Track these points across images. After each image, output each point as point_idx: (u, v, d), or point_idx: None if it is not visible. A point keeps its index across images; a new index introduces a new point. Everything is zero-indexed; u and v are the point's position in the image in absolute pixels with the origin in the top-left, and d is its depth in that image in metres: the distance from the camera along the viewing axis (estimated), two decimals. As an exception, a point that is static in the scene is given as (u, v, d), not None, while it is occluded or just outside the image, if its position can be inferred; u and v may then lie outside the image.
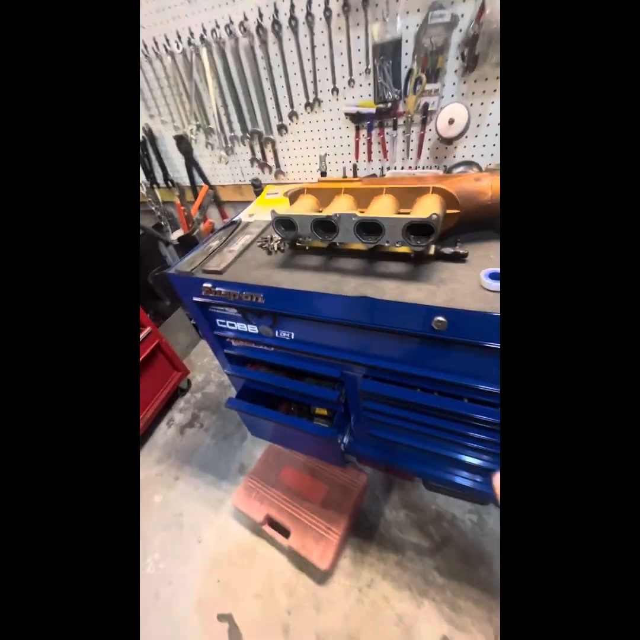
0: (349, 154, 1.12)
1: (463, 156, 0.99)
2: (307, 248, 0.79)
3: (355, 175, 0.71)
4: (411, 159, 1.03)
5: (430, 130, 0.96)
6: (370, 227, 0.66)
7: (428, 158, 1.03)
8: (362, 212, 0.71)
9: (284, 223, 0.75)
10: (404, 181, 0.75)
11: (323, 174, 0.76)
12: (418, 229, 0.63)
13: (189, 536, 1.34)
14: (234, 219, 1.04)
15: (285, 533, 1.20)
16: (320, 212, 0.81)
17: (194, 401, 1.88)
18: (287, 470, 1.34)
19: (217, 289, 0.84)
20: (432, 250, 0.70)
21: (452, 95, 0.89)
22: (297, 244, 0.81)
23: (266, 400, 1.21)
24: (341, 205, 0.74)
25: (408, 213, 0.73)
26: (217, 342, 1.05)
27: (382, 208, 0.70)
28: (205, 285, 0.84)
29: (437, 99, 0.90)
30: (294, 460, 1.37)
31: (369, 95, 0.97)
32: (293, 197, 0.84)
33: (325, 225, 0.70)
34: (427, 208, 0.65)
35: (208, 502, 1.43)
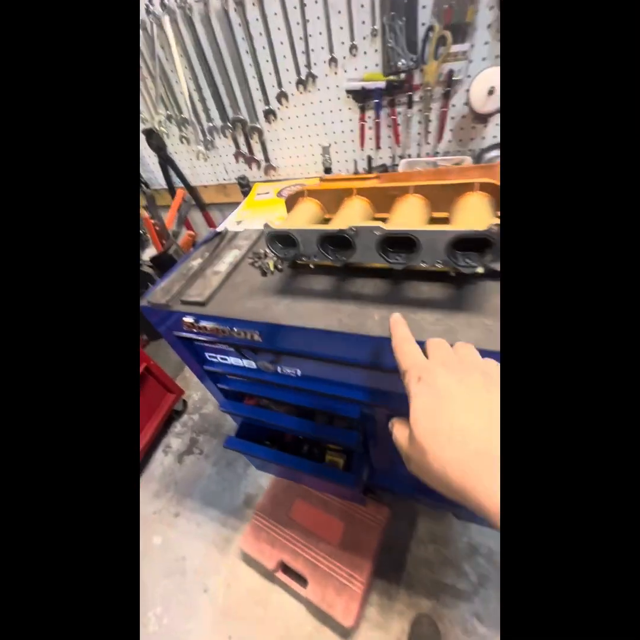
0: (353, 141, 0.93)
1: (494, 136, 0.80)
2: (312, 266, 0.61)
3: (370, 169, 0.55)
4: (429, 143, 0.84)
5: (453, 105, 0.78)
6: (398, 242, 0.48)
7: (450, 141, 0.84)
8: (385, 221, 0.54)
9: (280, 239, 0.57)
10: (435, 175, 0.57)
11: (327, 170, 0.58)
12: (466, 243, 0.45)
13: (194, 584, 1.21)
14: (217, 230, 0.86)
15: (302, 580, 1.07)
16: (328, 220, 0.63)
17: (191, 424, 1.73)
18: (298, 505, 1.20)
19: (200, 324, 0.66)
20: (480, 267, 0.53)
21: (484, 59, 0.71)
22: (299, 262, 0.64)
23: (270, 431, 1.06)
24: (354, 212, 0.57)
25: (445, 219, 0.55)
26: (207, 377, 0.88)
27: (411, 215, 0.52)
28: (185, 319, 0.67)
29: (465, 65, 0.71)
30: (305, 492, 1.23)
31: (377, 65, 0.78)
32: (290, 201, 0.66)
33: (337, 241, 0.53)
34: (475, 213, 0.48)
35: (213, 542, 1.29)
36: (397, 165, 0.86)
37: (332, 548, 1.08)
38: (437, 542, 1.14)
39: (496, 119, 0.73)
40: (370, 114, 0.86)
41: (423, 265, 0.49)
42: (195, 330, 0.69)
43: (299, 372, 0.72)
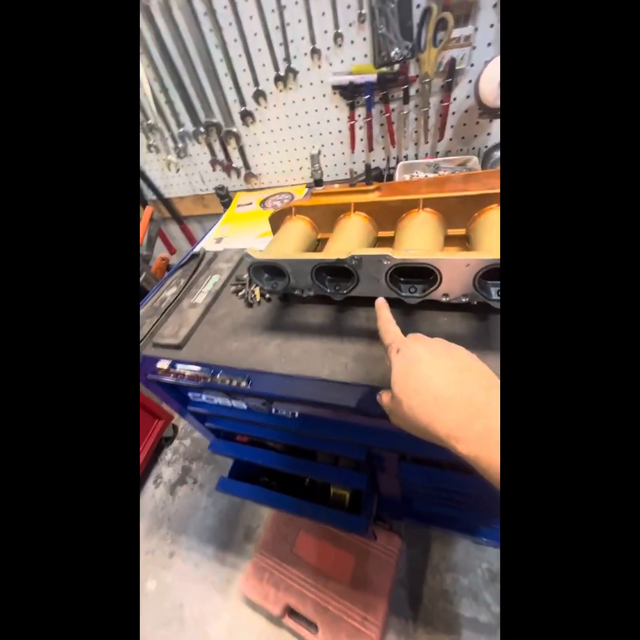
0: (342, 143, 0.83)
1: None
2: (305, 295, 0.51)
3: (368, 179, 0.45)
4: (428, 142, 0.75)
5: (454, 99, 0.69)
6: (412, 269, 0.39)
7: (451, 140, 0.75)
8: (392, 243, 0.45)
9: (267, 269, 0.47)
10: (447, 184, 0.48)
11: (318, 182, 0.49)
12: (496, 271, 0.36)
13: (195, 634, 1.10)
14: (194, 251, 0.76)
15: (312, 624, 0.98)
16: (321, 241, 0.53)
17: (183, 450, 1.62)
18: (303, 540, 1.11)
19: (177, 369, 0.56)
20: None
21: (489, 44, 0.62)
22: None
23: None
24: (354, 233, 0.47)
25: (462, 237, 0.46)
26: (193, 417, 0.78)
27: (423, 235, 0.43)
28: (159, 365, 0.57)
29: (468, 52, 0.62)
30: (309, 523, 1.14)
31: (366, 56, 0.69)
32: (276, 220, 0.56)
33: (336, 269, 0.43)
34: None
35: (212, 583, 1.19)
36: (393, 168, 0.77)
37: (342, 587, 1.00)
38: (454, 570, 1.06)
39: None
40: (360, 112, 0.76)
41: (444, 299, 0.40)
42: (171, 376, 0.58)
43: (296, 414, 0.63)
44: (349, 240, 0.46)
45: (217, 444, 0.82)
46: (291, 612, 1.01)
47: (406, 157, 0.80)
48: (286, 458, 0.76)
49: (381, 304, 0.38)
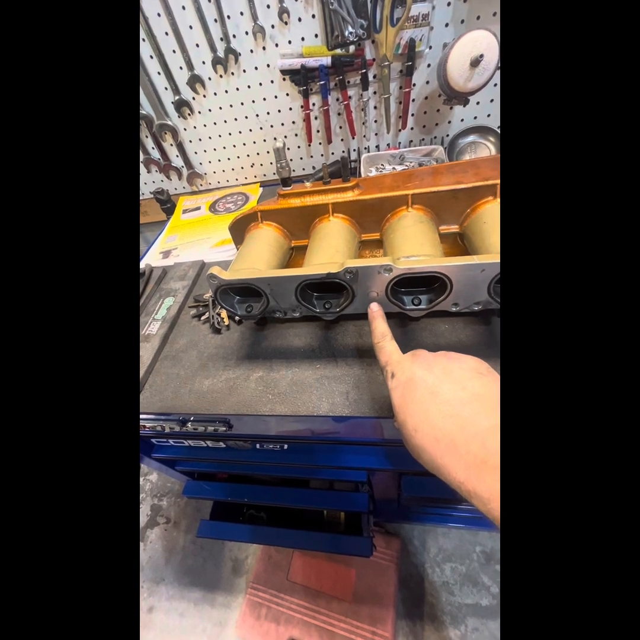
0: (296, 135, 0.75)
1: (462, 120, 0.69)
2: (287, 317, 0.43)
3: (346, 173, 0.39)
4: (389, 132, 0.70)
5: (414, 85, 0.64)
6: (412, 280, 0.33)
7: (412, 129, 0.71)
8: (380, 248, 0.39)
9: (238, 291, 0.39)
10: (434, 176, 0.43)
11: (285, 181, 0.41)
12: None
13: (190, 694, 0.99)
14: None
15: (319, 653, 0.92)
16: (294, 250, 0.46)
17: (149, 487, 1.45)
18: (297, 564, 1.04)
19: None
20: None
21: (447, 25, 0.58)
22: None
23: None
24: (338, 240, 0.40)
25: (456, 234, 0.42)
26: (161, 465, 0.66)
27: (420, 236, 0.38)
28: (110, 420, 0.45)
29: (427, 32, 0.57)
30: (303, 544, 1.07)
31: (316, 36, 0.61)
32: (238, 228, 0.47)
33: (323, 286, 0.36)
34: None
35: (204, 631, 1.08)
36: (354, 161, 0.71)
37: (346, 605, 0.95)
38: (451, 560, 1.07)
39: (477, 97, 0.61)
40: (315, 100, 0.69)
41: (454, 309, 0.35)
42: (128, 429, 0.47)
43: (285, 446, 0.55)
44: (333, 248, 0.39)
45: (193, 488, 0.71)
46: (296, 645, 0.95)
47: (368, 149, 0.74)
48: (275, 490, 0.68)
49: (375, 314, 0.33)
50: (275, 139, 0.64)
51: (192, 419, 0.42)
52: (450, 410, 0.23)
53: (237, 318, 0.50)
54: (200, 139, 0.79)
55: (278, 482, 0.70)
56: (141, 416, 0.45)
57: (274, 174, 0.84)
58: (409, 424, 0.25)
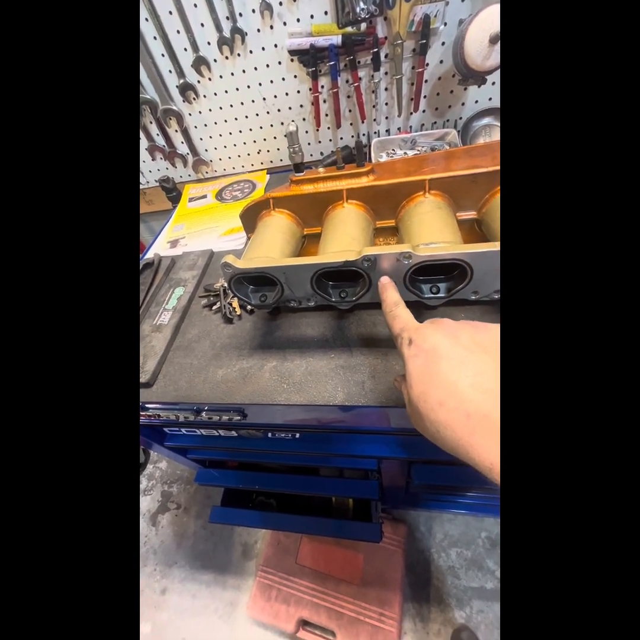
0: (304, 120, 0.73)
1: (477, 101, 0.67)
2: (303, 306, 0.43)
3: (360, 158, 0.37)
4: (400, 116, 0.68)
5: (427, 65, 0.62)
6: (428, 268, 0.33)
7: (424, 112, 0.69)
8: (396, 235, 0.38)
9: (252, 280, 0.38)
10: (449, 160, 0.42)
11: (298, 167, 0.40)
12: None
13: (204, 670, 1.03)
14: (146, 259, 0.63)
15: (329, 633, 0.95)
16: (306, 238, 0.45)
17: (159, 474, 1.48)
18: (306, 548, 1.06)
19: (149, 411, 0.46)
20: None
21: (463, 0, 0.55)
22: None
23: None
24: (353, 228, 0.39)
25: (473, 220, 0.41)
26: (171, 452, 0.67)
27: (438, 223, 0.37)
28: (125, 409, 0.46)
29: (442, 7, 0.55)
30: (311, 530, 1.09)
31: (326, 13, 0.59)
32: (249, 216, 0.46)
33: (338, 274, 0.36)
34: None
35: (215, 611, 1.11)
36: (365, 146, 0.69)
37: (354, 588, 0.97)
38: (457, 545, 1.09)
39: (494, 77, 0.58)
40: (324, 82, 0.66)
41: (473, 297, 0.34)
42: (143, 418, 0.48)
43: (297, 435, 0.55)
44: (348, 235, 0.38)
45: (204, 475, 0.72)
46: (305, 623, 0.98)
47: (378, 134, 0.72)
48: (285, 477, 0.69)
49: (386, 283, 0.32)
50: (290, 122, 0.63)
51: (206, 408, 0.43)
52: (486, 384, 0.21)
53: (249, 308, 0.49)
54: (205, 125, 0.77)
55: (288, 470, 0.70)
56: (155, 405, 0.45)
57: (282, 160, 0.82)
58: (431, 397, 0.23)
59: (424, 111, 0.69)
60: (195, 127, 0.78)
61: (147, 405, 0.45)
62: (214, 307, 0.52)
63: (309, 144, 0.77)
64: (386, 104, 0.68)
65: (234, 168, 0.84)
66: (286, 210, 0.44)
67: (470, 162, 0.39)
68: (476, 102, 0.67)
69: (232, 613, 1.10)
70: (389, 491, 0.80)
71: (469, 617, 0.97)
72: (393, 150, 0.66)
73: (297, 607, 0.97)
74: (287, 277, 0.35)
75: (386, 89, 0.66)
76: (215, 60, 0.67)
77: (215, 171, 0.85)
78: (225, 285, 0.44)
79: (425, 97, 0.67)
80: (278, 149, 0.80)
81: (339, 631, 0.92)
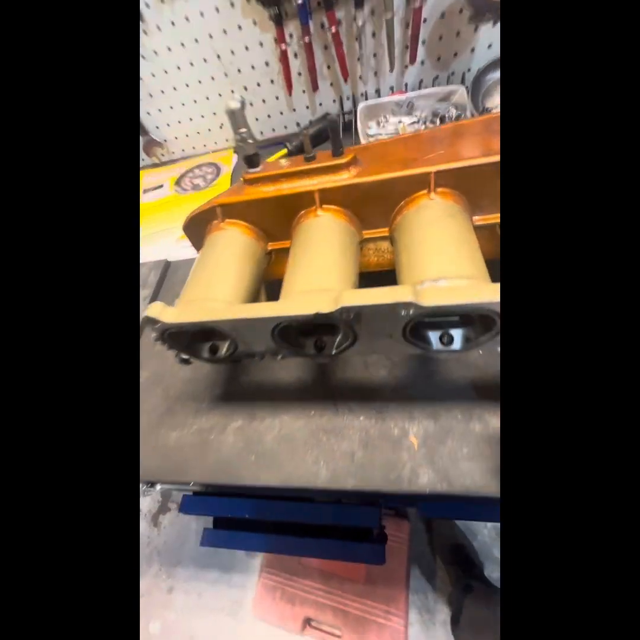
0: (272, 82, 0.58)
1: (490, 45, 0.52)
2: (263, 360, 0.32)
3: (337, 143, 0.27)
4: (392, 71, 0.53)
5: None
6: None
7: (422, 63, 0.54)
8: (390, 249, 0.28)
9: (194, 332, 0.28)
10: (458, 137, 0.30)
11: (250, 160, 0.28)
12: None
13: (214, 665, 1.05)
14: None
15: (336, 630, 0.95)
16: (273, 253, 0.34)
17: (157, 475, 1.45)
18: (310, 547, 1.04)
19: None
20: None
21: None
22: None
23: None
24: (330, 251, 0.28)
25: (490, 226, 0.30)
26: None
27: (452, 241, 0.26)
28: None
29: None
30: (313, 528, 1.07)
31: None
32: (194, 229, 0.35)
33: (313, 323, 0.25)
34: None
35: (222, 610, 1.12)
36: (349, 114, 0.55)
37: (359, 586, 0.97)
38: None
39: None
40: (292, 29, 0.50)
41: (499, 349, 0.24)
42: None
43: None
44: (321, 265, 0.27)
45: (190, 504, 0.66)
46: (311, 622, 0.98)
47: (365, 96, 0.57)
48: (277, 504, 0.63)
49: None
50: (234, 95, 0.47)
51: (159, 484, 0.34)
52: None
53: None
54: (151, 94, 0.62)
55: (280, 497, 0.64)
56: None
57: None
58: None
59: (422, 63, 0.54)
60: (141, 98, 0.63)
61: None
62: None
63: (281, 113, 0.63)
64: (374, 55, 0.53)
65: (194, 148, 0.70)
66: (241, 220, 0.32)
67: (490, 141, 0.27)
68: (489, 46, 0.52)
69: (238, 611, 1.11)
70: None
71: (474, 607, 0.97)
72: (385, 117, 0.52)
73: (303, 606, 0.97)
74: (239, 333, 0.25)
75: (373, 35, 0.51)
76: (147, 5, 0.51)
77: (173, 153, 0.71)
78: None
79: (423, 42, 0.52)
80: (244, 121, 0.66)
81: (346, 630, 0.92)
